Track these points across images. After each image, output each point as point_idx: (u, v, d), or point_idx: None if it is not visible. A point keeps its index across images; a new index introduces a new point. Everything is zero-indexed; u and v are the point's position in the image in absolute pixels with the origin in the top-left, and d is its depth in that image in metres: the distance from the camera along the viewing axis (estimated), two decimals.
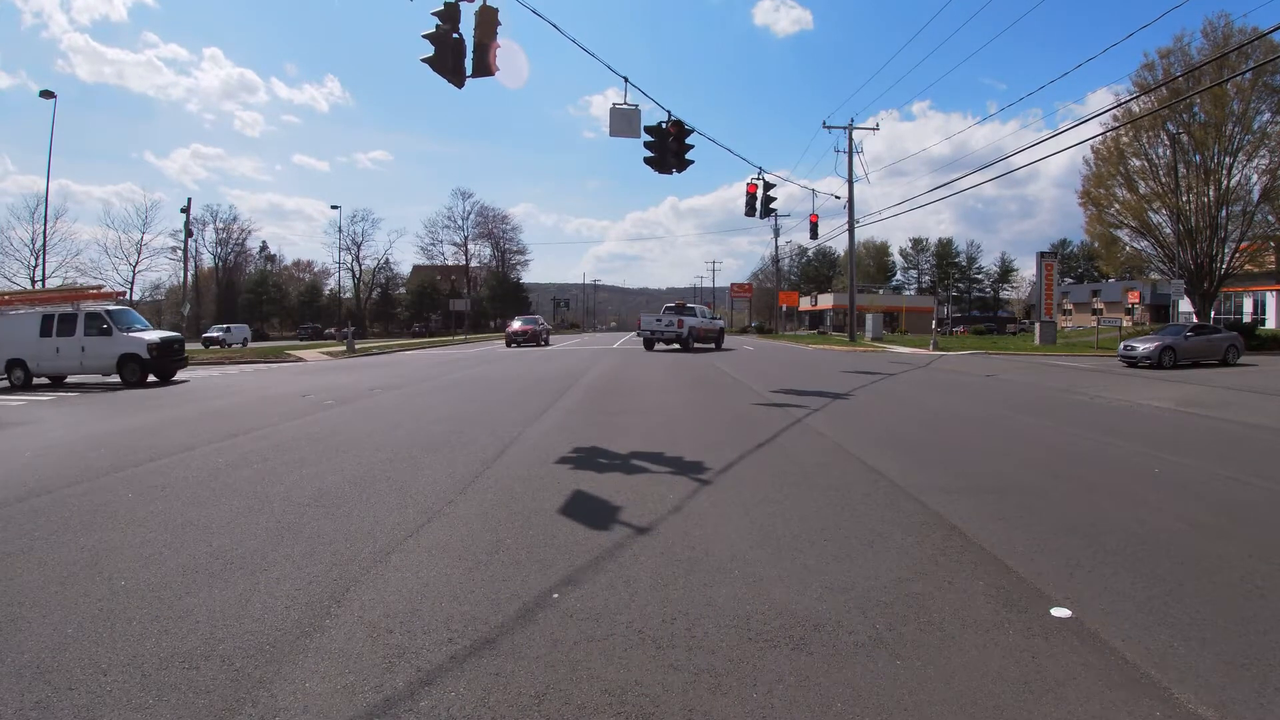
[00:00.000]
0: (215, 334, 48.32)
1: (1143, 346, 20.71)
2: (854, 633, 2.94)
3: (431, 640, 2.87)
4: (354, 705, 2.40)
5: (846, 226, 37.92)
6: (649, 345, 29.40)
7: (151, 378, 16.34)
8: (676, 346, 29.85)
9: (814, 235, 32.65)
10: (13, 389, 15.95)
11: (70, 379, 17.41)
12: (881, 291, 79.31)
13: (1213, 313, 33.15)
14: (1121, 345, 22.01)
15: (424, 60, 8.87)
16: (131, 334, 16.23)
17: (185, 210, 35.25)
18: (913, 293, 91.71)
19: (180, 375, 17.81)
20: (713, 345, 31.20)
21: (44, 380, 16.87)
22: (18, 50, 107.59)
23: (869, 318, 46.25)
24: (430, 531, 4.36)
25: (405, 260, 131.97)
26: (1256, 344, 27.54)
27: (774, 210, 20.65)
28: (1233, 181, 30.30)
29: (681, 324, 28.58)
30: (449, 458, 6.62)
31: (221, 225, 76.78)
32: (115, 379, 16.49)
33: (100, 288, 22.14)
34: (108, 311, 16.57)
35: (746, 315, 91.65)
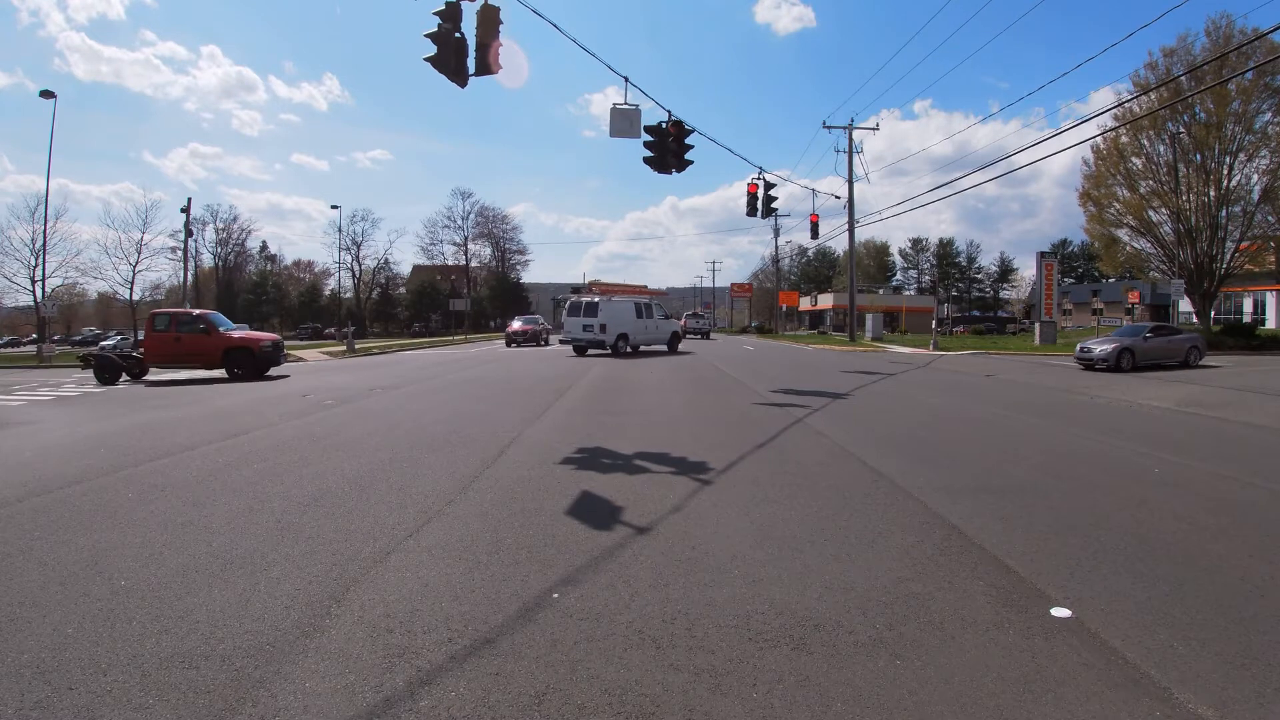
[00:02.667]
0: None
1: (1100, 349, 19.13)
2: (854, 633, 2.94)
3: (431, 640, 2.87)
4: (354, 705, 2.40)
5: (846, 226, 37.94)
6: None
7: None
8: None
9: (814, 235, 32.66)
10: (616, 355, 22.92)
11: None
12: (881, 291, 79.27)
13: (1212, 312, 33.15)
14: (1078, 347, 20.36)
15: (426, 59, 8.88)
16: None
17: (185, 210, 35.27)
18: (913, 293, 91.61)
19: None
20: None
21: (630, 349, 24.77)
22: (14, 49, 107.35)
23: (869, 318, 46.25)
24: (430, 531, 4.36)
25: (405, 260, 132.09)
26: (1256, 344, 27.54)
27: (775, 210, 20.64)
28: (1233, 181, 30.30)
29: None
30: (449, 458, 6.62)
31: (221, 225, 76.90)
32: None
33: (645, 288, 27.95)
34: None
35: (746, 315, 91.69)
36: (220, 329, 17.55)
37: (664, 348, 26.48)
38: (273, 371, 17.91)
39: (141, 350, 17.91)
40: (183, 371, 18.17)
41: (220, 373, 17.40)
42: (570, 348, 25.11)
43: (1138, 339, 19.82)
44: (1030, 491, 5.40)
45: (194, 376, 17.53)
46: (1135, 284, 46.08)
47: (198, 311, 18.86)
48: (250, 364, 17.14)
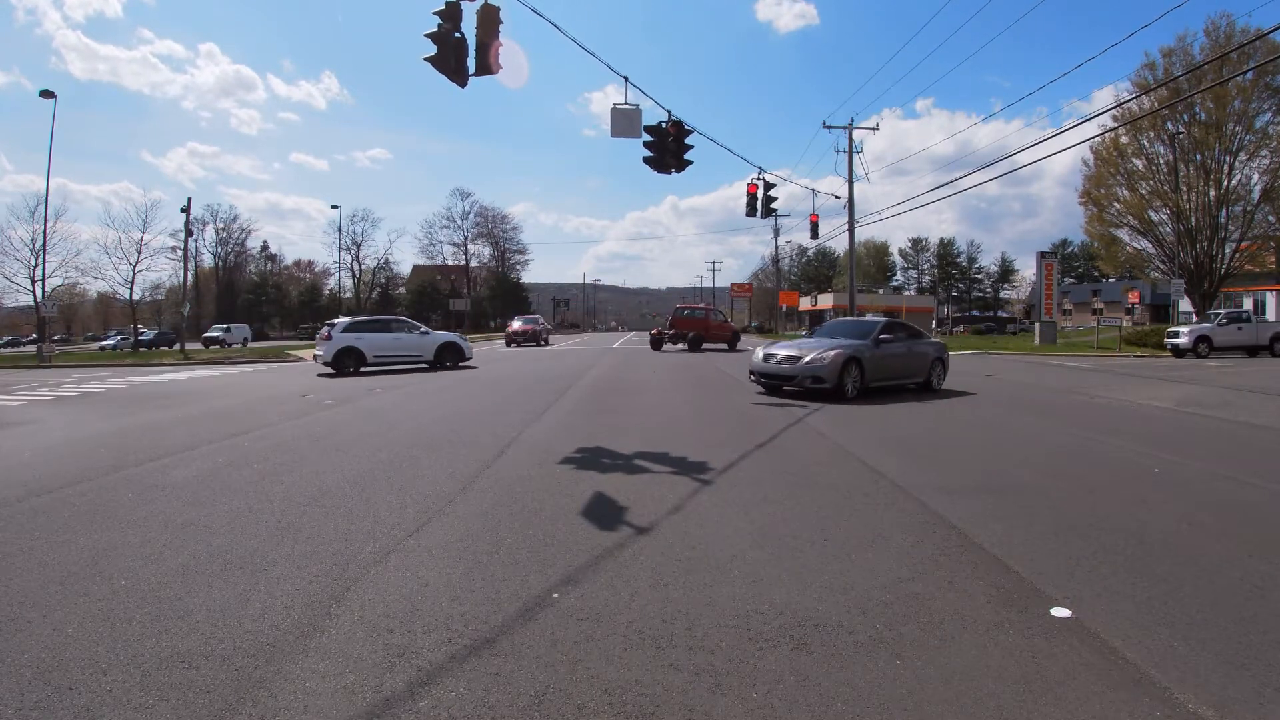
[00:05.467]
0: (215, 334, 48.34)
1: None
2: (854, 633, 2.94)
3: (431, 640, 2.87)
4: (354, 705, 2.40)
5: (847, 226, 37.91)
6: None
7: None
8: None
9: (814, 235, 32.67)
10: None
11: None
12: (881, 291, 79.25)
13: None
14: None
15: (426, 59, 8.87)
16: None
17: (185, 210, 35.21)
18: (913, 292, 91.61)
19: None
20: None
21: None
22: (11, 48, 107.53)
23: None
24: (430, 531, 4.36)
25: (405, 260, 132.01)
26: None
27: (774, 210, 20.64)
28: (1233, 181, 30.33)
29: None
30: (449, 457, 6.62)
31: (221, 225, 76.91)
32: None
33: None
34: None
35: (746, 315, 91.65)
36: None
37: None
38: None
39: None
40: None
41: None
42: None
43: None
44: (1030, 491, 5.40)
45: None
46: (1135, 284, 46.09)
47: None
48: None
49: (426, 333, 19.98)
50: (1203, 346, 24.49)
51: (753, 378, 12.57)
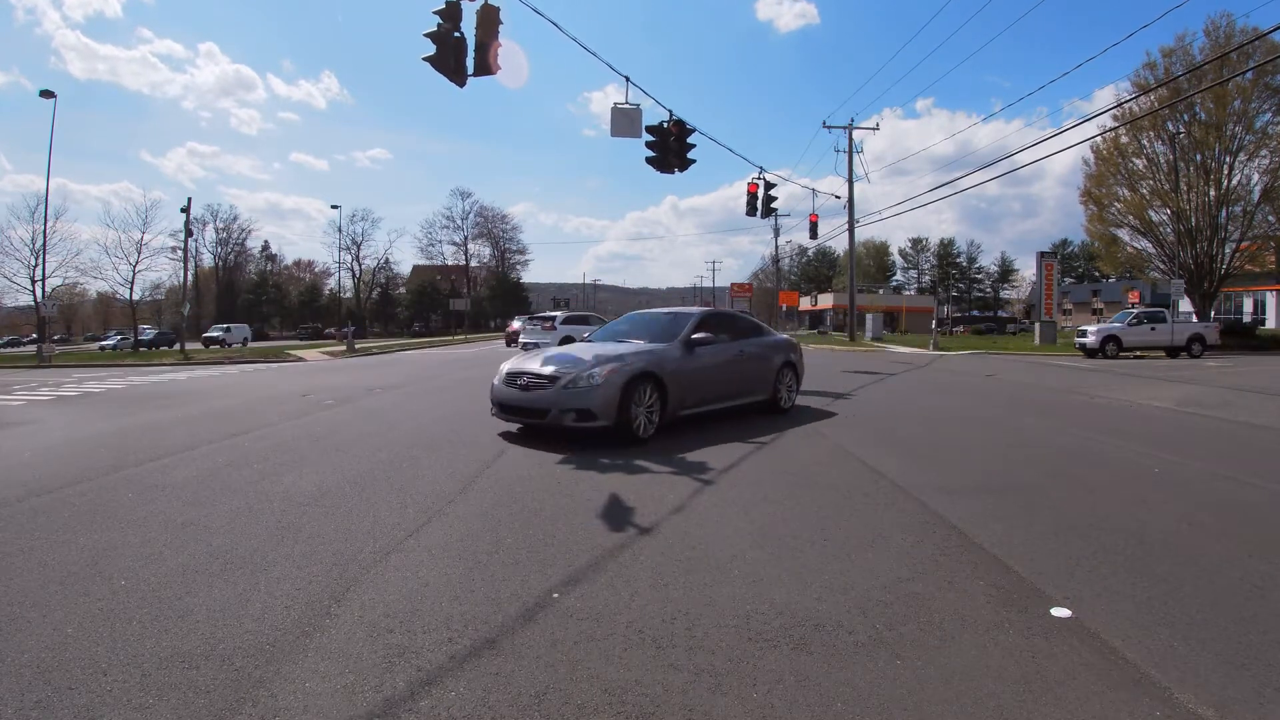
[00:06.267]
0: (215, 334, 48.39)
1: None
2: (854, 633, 2.94)
3: (431, 640, 2.87)
4: (354, 705, 2.40)
5: (846, 226, 37.92)
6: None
7: None
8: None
9: (814, 235, 32.71)
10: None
11: None
12: (881, 291, 79.29)
13: (1212, 313, 33.15)
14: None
15: (425, 59, 8.87)
16: None
17: (185, 210, 35.22)
18: (913, 292, 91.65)
19: None
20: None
21: None
22: (10, 48, 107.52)
23: (869, 318, 46.22)
24: (430, 531, 4.36)
25: (405, 260, 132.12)
26: (1256, 344, 27.51)
27: (775, 210, 20.65)
28: (1233, 181, 30.31)
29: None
30: (449, 457, 6.62)
31: (221, 225, 77.05)
32: None
33: None
34: None
35: None
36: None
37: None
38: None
39: None
40: None
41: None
42: None
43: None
44: (1030, 491, 5.40)
45: None
46: (1135, 284, 46.10)
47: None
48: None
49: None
50: (1111, 347, 23.60)
51: (495, 410, 7.92)
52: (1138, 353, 24.49)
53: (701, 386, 8.25)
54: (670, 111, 12.91)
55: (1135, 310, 26.84)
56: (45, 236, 33.51)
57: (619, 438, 7.14)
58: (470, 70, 9.06)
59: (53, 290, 38.29)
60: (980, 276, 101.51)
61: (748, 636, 2.90)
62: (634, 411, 7.21)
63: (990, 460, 6.69)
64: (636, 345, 8.12)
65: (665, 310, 9.92)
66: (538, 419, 7.29)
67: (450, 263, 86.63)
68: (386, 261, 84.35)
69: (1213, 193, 30.33)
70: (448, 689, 2.50)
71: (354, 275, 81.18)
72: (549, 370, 7.35)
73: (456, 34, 8.88)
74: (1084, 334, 24.99)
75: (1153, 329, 24.11)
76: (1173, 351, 23.94)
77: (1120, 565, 3.76)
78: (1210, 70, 26.71)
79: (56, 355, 28.94)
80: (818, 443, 7.52)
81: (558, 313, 26.00)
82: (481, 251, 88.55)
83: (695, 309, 9.68)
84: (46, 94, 28.11)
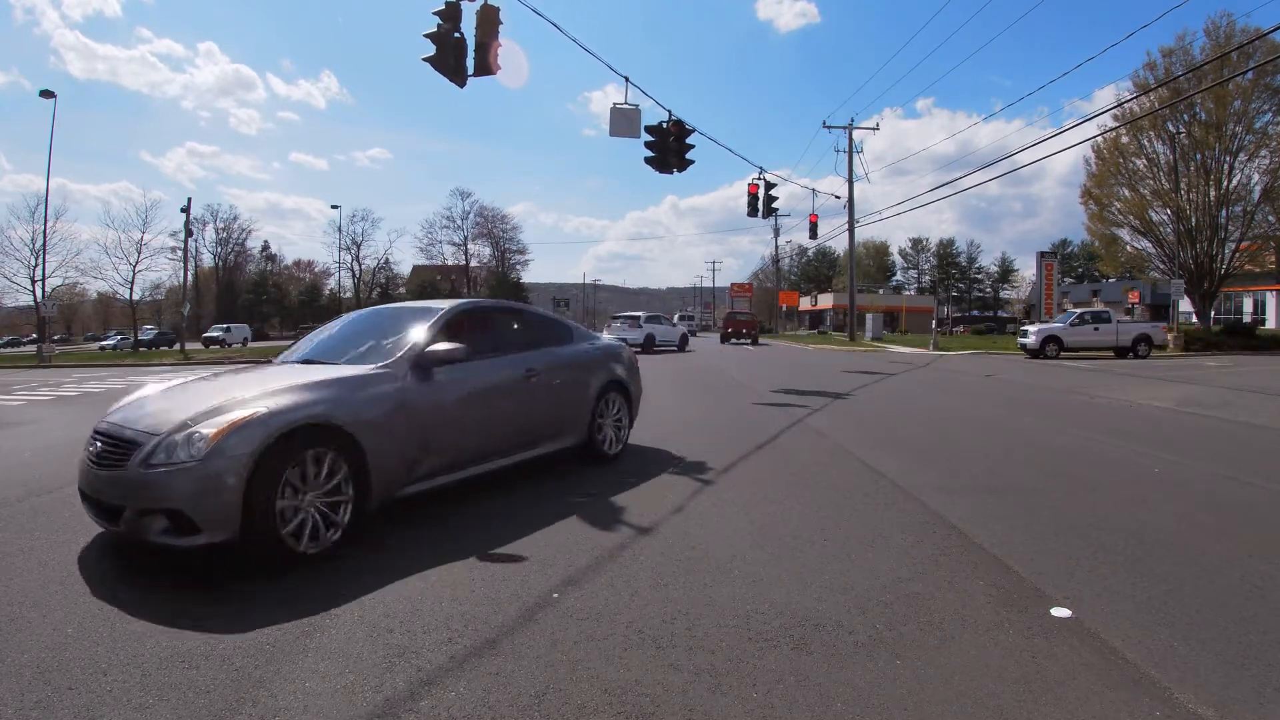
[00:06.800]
0: (215, 334, 48.38)
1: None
2: (854, 632, 2.94)
3: (431, 640, 2.87)
4: (354, 705, 2.40)
5: (847, 226, 37.93)
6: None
7: None
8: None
9: (814, 235, 32.71)
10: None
11: None
12: (881, 291, 79.29)
13: (1212, 312, 33.15)
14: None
15: (425, 60, 8.88)
16: None
17: (185, 210, 35.25)
18: (913, 292, 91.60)
19: None
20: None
21: None
22: (10, 48, 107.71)
23: (869, 318, 46.25)
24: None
25: (405, 260, 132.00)
26: (1256, 344, 27.47)
27: (775, 210, 20.65)
28: (1234, 181, 30.30)
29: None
30: None
31: (221, 225, 76.89)
32: None
33: None
34: None
35: None
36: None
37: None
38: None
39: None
40: None
41: None
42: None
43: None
44: (1030, 491, 5.40)
45: None
46: (1135, 284, 46.05)
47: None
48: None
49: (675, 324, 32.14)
50: (1051, 347, 23.06)
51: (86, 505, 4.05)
52: (1081, 354, 23.91)
53: (448, 436, 4.75)
54: (670, 111, 12.92)
55: (1078, 310, 26.49)
56: (45, 236, 33.56)
57: (257, 557, 3.64)
58: (470, 70, 9.07)
59: (53, 290, 38.33)
60: (980, 277, 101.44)
61: (748, 636, 2.90)
62: (286, 505, 3.68)
63: (990, 460, 6.69)
64: (325, 371, 4.49)
65: (395, 306, 6.01)
66: (112, 525, 3.76)
67: (450, 263, 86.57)
68: (386, 261, 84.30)
69: (1213, 193, 30.31)
70: (448, 689, 2.50)
71: (354, 275, 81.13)
72: (131, 430, 3.82)
73: (456, 34, 8.89)
74: (1025, 334, 24.64)
75: (1096, 329, 23.69)
76: (1120, 352, 23.56)
77: (1120, 565, 3.75)
78: (1210, 70, 26.69)
79: (56, 355, 28.95)
80: (818, 443, 7.53)
81: (640, 313, 31.10)
82: (481, 251, 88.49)
83: (443, 303, 5.57)
84: (46, 94, 28.12)
